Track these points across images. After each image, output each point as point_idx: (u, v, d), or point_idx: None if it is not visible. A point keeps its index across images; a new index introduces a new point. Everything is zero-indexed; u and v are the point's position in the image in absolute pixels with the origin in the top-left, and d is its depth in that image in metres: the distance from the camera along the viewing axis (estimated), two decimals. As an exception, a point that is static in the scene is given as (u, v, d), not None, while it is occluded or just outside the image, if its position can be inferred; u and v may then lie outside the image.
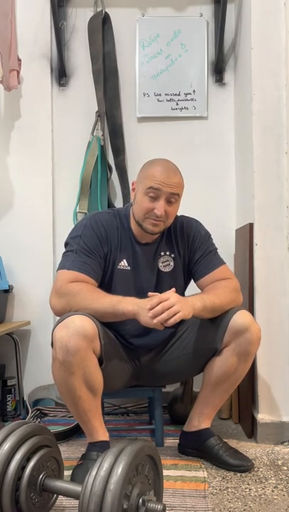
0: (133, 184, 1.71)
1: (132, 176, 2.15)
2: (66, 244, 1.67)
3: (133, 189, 1.70)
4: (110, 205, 2.33)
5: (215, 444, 1.65)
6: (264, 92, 1.92)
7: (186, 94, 2.38)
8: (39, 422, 2.07)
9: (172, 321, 1.42)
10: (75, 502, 1.24)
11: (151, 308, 1.43)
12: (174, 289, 1.51)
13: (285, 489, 1.47)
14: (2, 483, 1.11)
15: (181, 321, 1.47)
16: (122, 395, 2.01)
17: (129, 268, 1.68)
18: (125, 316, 1.50)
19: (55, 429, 1.83)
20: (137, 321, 1.49)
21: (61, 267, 1.62)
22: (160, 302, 1.44)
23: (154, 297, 1.47)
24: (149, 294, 1.53)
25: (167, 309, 1.42)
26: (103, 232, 1.65)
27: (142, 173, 1.66)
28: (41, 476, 1.19)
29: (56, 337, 1.45)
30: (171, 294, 1.47)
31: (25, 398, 2.21)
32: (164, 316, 1.42)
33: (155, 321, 1.42)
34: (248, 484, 1.50)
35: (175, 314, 1.42)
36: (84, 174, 2.26)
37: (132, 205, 1.69)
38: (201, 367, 1.69)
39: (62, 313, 1.52)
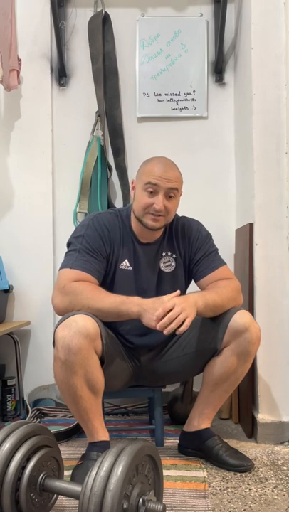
0: (132, 183, 1.72)
1: (132, 176, 2.15)
2: (69, 244, 1.67)
3: (132, 187, 1.71)
4: (110, 205, 2.33)
5: (215, 444, 1.65)
6: (264, 92, 1.93)
7: (186, 94, 2.38)
8: (39, 422, 2.07)
9: (184, 328, 1.42)
10: (75, 502, 1.25)
11: (157, 320, 1.43)
12: (178, 292, 1.51)
13: (285, 489, 1.47)
14: (2, 483, 1.11)
15: (183, 322, 1.46)
16: (122, 395, 2.01)
17: (130, 268, 1.68)
18: (129, 317, 1.50)
19: (55, 429, 1.83)
20: (137, 320, 1.49)
21: (64, 265, 1.61)
22: (165, 312, 1.43)
23: (159, 307, 1.44)
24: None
25: (174, 318, 1.42)
26: (106, 232, 1.65)
27: (140, 171, 1.67)
28: (41, 476, 1.19)
29: (58, 336, 1.45)
30: (174, 301, 1.46)
31: (25, 398, 2.21)
32: (172, 326, 1.42)
33: (165, 332, 1.42)
34: (248, 484, 1.50)
35: (183, 322, 1.42)
36: (84, 174, 2.26)
37: (132, 203, 1.70)
38: (201, 367, 1.69)
39: (64, 313, 1.52)
